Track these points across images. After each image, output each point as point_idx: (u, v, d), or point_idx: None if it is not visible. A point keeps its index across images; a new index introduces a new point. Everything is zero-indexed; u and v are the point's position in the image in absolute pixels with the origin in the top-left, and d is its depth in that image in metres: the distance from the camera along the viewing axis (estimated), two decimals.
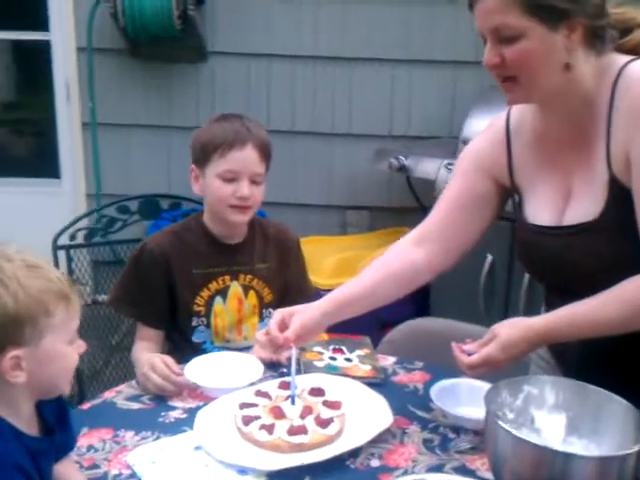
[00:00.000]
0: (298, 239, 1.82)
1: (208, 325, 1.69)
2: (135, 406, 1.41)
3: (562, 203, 1.33)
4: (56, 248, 1.87)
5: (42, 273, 1.01)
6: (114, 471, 1.19)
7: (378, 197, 3.59)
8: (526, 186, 1.40)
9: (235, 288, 1.70)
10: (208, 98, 3.54)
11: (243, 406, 1.32)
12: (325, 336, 1.69)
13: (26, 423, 1.03)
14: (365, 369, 1.55)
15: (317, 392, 1.38)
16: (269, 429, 1.25)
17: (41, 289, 0.99)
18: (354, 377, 1.51)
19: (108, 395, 1.45)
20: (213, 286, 1.68)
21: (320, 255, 3.21)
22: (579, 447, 1.16)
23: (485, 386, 1.43)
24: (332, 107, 3.55)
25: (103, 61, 3.47)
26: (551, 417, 1.21)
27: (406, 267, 1.50)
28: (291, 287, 1.79)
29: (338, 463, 1.23)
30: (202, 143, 1.64)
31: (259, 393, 1.37)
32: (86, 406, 1.41)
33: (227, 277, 1.69)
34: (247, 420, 1.28)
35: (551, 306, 1.33)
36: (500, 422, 1.08)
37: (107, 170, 3.54)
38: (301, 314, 1.40)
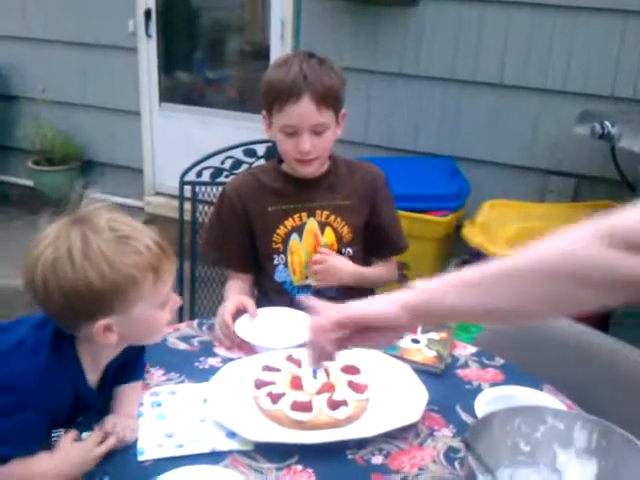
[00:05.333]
0: (385, 177, 1.70)
1: (286, 264, 1.65)
2: (182, 346, 1.43)
3: None
4: (182, 183, 1.94)
5: (132, 245, 1.01)
6: None
7: (588, 164, 3.20)
8: None
9: (311, 225, 1.64)
10: (414, 44, 3.39)
11: (265, 369, 1.28)
12: None
13: (94, 375, 1.11)
14: (427, 355, 1.40)
15: (350, 370, 1.28)
16: (275, 398, 1.19)
17: (129, 264, 0.99)
18: (409, 361, 1.37)
19: (165, 331, 1.48)
20: (289, 223, 1.64)
21: (502, 221, 2.96)
22: None
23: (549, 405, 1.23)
24: (547, 60, 3.20)
25: (315, 1, 3.48)
26: (579, 462, 0.99)
27: None
28: (380, 229, 1.70)
29: (337, 450, 1.14)
30: (264, 90, 1.58)
31: (290, 358, 1.31)
32: None
33: (304, 214, 1.64)
34: (259, 384, 1.23)
35: None
36: (472, 460, 0.89)
37: None
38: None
